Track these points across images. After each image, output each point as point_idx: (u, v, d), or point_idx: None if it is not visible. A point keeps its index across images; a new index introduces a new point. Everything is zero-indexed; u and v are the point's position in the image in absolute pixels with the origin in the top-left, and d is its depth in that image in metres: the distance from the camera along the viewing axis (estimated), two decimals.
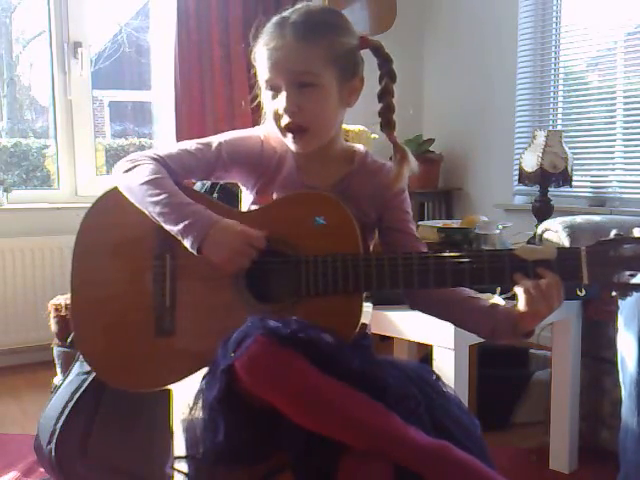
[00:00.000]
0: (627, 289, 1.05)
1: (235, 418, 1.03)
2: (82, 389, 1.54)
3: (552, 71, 3.35)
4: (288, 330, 1.02)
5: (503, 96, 3.48)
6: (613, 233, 1.06)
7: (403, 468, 0.98)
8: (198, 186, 1.78)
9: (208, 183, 1.76)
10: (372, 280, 1.11)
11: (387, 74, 1.21)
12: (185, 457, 1.09)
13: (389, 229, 1.27)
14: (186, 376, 1.18)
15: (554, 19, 3.31)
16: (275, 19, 1.17)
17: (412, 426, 0.99)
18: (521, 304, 1.08)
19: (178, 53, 3.12)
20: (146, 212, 1.17)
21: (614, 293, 1.06)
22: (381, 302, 1.61)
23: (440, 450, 0.98)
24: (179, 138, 3.14)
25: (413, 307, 1.26)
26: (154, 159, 1.21)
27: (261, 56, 1.17)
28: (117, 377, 1.26)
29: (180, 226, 1.13)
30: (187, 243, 1.13)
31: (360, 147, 1.30)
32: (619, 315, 1.60)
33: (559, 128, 3.28)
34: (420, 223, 2.31)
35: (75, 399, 1.53)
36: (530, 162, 2.75)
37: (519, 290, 1.07)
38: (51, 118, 3.25)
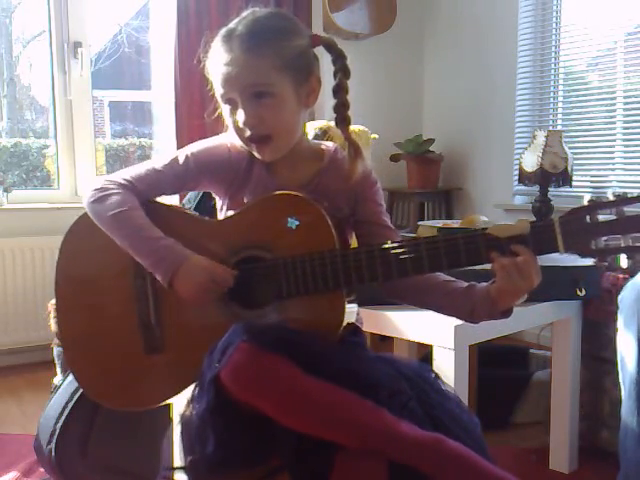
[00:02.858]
0: (604, 254, 1.05)
1: (227, 426, 1.03)
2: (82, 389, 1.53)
3: (552, 71, 3.35)
4: (271, 334, 1.02)
5: (503, 96, 3.48)
6: (587, 199, 1.07)
7: (398, 464, 0.98)
8: (192, 194, 1.78)
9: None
10: (351, 274, 1.11)
11: (341, 70, 1.20)
12: (181, 468, 1.09)
13: (362, 222, 1.27)
14: (181, 390, 1.18)
15: (554, 19, 3.31)
16: (223, 32, 1.17)
17: (404, 420, 0.99)
18: (499, 281, 1.08)
19: (178, 53, 3.12)
20: (117, 243, 1.19)
21: (594, 260, 1.06)
22: (380, 302, 1.61)
23: (434, 442, 0.98)
24: (179, 138, 3.14)
25: (390, 296, 1.25)
26: (122, 185, 1.21)
27: (213, 72, 1.18)
28: (113, 399, 1.26)
29: (151, 260, 1.15)
30: (158, 277, 1.16)
31: (329, 144, 1.30)
32: (619, 315, 1.61)
33: (559, 128, 3.28)
34: (420, 223, 2.31)
35: (75, 399, 1.53)
36: (530, 162, 2.75)
37: (496, 267, 1.07)
38: (51, 118, 3.25)
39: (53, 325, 2.28)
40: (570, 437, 1.92)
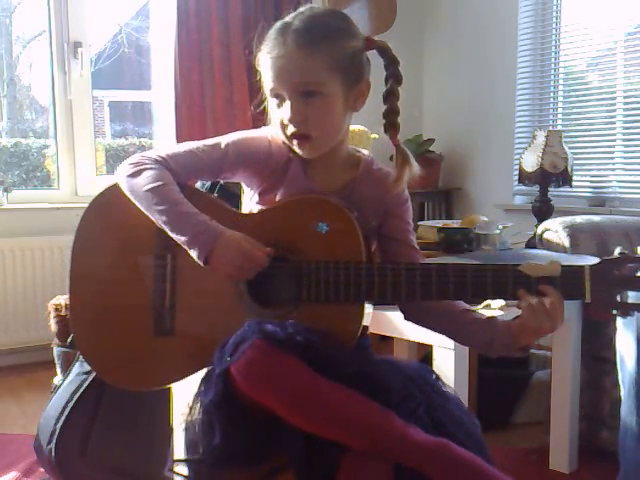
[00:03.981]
0: (629, 308, 1.06)
1: (233, 421, 1.03)
2: (82, 389, 1.54)
3: (552, 71, 3.35)
4: (285, 334, 1.02)
5: (503, 96, 3.48)
6: (617, 252, 1.07)
7: (403, 467, 0.98)
8: (198, 186, 1.78)
9: (208, 183, 1.76)
10: (374, 289, 1.11)
11: (393, 76, 1.19)
12: (184, 460, 1.09)
13: (389, 238, 1.26)
14: (185, 376, 1.18)
15: (554, 19, 3.31)
16: (278, 25, 1.15)
17: (412, 425, 0.99)
18: (524, 319, 1.08)
19: (178, 53, 3.12)
20: (152, 218, 1.17)
21: (615, 312, 1.07)
22: (379, 302, 1.61)
23: (440, 447, 0.98)
24: (179, 138, 3.14)
25: (408, 318, 1.26)
26: (158, 162, 1.19)
27: (264, 64, 1.16)
28: (116, 376, 1.26)
29: (187, 237, 1.13)
30: (194, 254, 1.13)
31: (366, 153, 1.29)
32: None
33: (559, 128, 3.27)
34: (420, 223, 2.31)
35: (75, 399, 1.53)
36: (530, 162, 2.75)
37: (523, 305, 1.07)
38: (51, 118, 3.25)
39: (53, 325, 2.29)
40: (570, 437, 1.92)
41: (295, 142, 1.17)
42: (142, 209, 1.17)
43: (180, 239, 1.14)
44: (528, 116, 3.42)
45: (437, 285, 1.09)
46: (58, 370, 2.28)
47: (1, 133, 3.73)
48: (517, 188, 3.37)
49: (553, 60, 3.33)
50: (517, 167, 2.92)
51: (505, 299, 1.09)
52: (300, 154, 1.19)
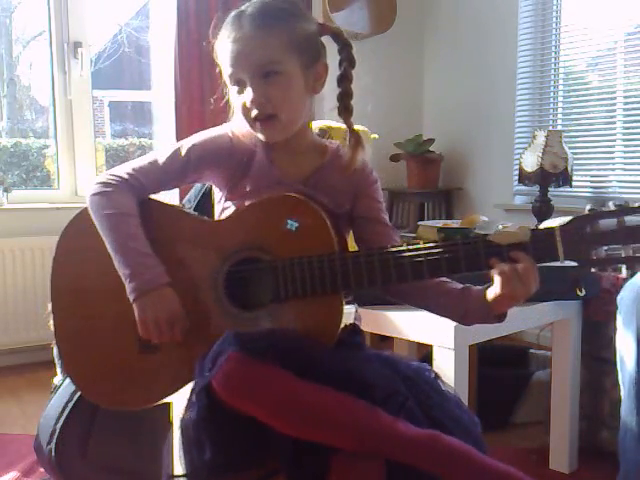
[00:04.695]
0: (605, 264, 1.05)
1: (221, 432, 1.03)
2: None
3: (552, 71, 3.35)
4: (262, 342, 1.02)
5: (503, 96, 3.48)
6: (587, 208, 1.06)
7: (395, 463, 0.97)
8: (198, 187, 1.78)
9: (203, 189, 1.75)
10: (349, 278, 1.10)
11: (346, 59, 1.21)
12: (181, 476, 1.09)
13: (361, 218, 1.26)
14: (174, 391, 1.18)
15: (554, 19, 3.31)
16: (232, 13, 1.18)
17: (400, 420, 0.99)
18: (497, 286, 1.07)
19: (178, 53, 3.12)
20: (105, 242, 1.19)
21: (593, 269, 1.06)
22: (380, 302, 1.61)
23: (430, 439, 0.98)
24: (179, 138, 3.13)
25: (386, 296, 1.25)
26: (126, 181, 1.21)
27: (222, 51, 1.18)
28: (105, 398, 1.26)
29: (127, 271, 1.16)
30: (128, 287, 1.16)
31: (332, 142, 1.29)
32: (618, 315, 1.61)
33: (559, 128, 3.27)
34: (420, 223, 2.31)
35: (75, 399, 1.53)
36: (530, 162, 2.75)
37: (495, 272, 1.06)
38: (51, 118, 3.25)
39: (53, 325, 2.29)
40: (570, 437, 1.92)
41: (259, 125, 1.18)
42: (99, 230, 1.20)
43: (121, 271, 1.16)
44: (528, 116, 3.42)
45: (411, 266, 1.09)
46: (58, 370, 2.28)
47: (1, 133, 3.73)
48: (517, 188, 3.37)
49: (553, 60, 3.33)
50: (517, 167, 2.93)
51: (480, 270, 1.08)
52: (264, 139, 1.20)
